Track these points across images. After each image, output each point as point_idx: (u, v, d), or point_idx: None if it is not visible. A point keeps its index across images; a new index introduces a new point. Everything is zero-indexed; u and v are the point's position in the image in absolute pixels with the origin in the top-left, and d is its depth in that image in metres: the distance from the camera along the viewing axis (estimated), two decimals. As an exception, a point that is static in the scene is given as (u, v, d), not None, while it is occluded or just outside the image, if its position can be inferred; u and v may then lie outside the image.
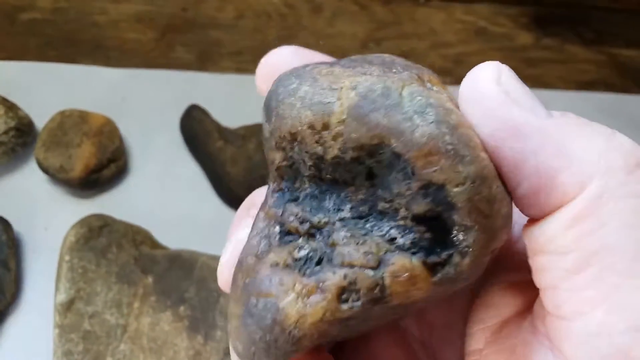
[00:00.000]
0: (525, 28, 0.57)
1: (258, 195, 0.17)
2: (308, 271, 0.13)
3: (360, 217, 0.13)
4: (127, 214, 0.44)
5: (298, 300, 0.13)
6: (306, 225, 0.13)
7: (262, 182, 0.45)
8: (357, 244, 0.13)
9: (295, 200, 0.14)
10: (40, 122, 0.47)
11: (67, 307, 0.40)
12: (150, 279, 0.42)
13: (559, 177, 0.12)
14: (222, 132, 0.47)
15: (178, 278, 0.42)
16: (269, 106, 0.14)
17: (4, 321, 0.42)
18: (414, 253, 0.12)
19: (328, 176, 0.13)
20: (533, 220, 0.13)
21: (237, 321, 0.14)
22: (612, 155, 0.12)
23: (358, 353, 0.17)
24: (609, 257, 0.11)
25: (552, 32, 0.57)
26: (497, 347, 0.14)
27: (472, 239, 0.12)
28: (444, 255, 0.12)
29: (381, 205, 0.13)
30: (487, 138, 0.13)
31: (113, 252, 0.42)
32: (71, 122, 0.45)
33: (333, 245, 0.13)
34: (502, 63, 0.14)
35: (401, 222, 0.13)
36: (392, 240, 0.13)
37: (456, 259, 0.12)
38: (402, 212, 0.13)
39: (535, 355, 0.13)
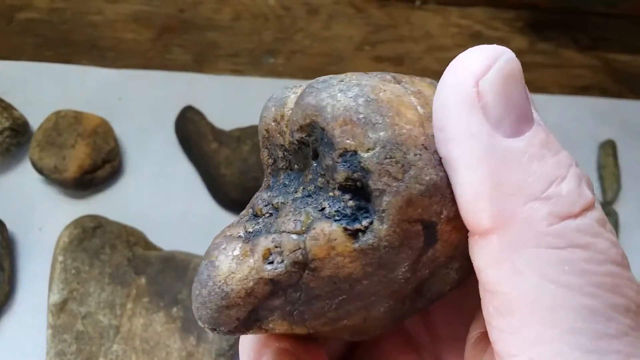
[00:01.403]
0: (521, 32, 0.57)
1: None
2: (251, 240, 0.14)
3: (308, 196, 0.14)
4: (121, 214, 0.44)
5: (232, 261, 0.14)
6: (268, 207, 0.15)
7: (256, 183, 0.45)
8: (294, 215, 0.14)
9: (269, 188, 0.16)
10: (35, 121, 0.47)
11: (60, 308, 0.40)
12: (143, 280, 0.42)
13: (479, 204, 0.12)
14: (217, 133, 0.47)
15: (171, 279, 0.42)
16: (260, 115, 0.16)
17: (-3, 321, 0.42)
18: (336, 220, 0.13)
19: (295, 166, 0.15)
20: (472, 234, 0.13)
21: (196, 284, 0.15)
22: (542, 203, 0.11)
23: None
24: (529, 305, 0.11)
25: (547, 37, 0.57)
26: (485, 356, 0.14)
27: (385, 203, 0.13)
28: (364, 222, 0.13)
29: (319, 181, 0.14)
30: (437, 131, 0.13)
31: (106, 253, 0.42)
32: (66, 123, 0.45)
33: (278, 219, 0.14)
34: None
35: (331, 194, 0.14)
36: (322, 210, 0.14)
37: (376, 224, 0.13)
38: (332, 184, 0.14)
39: None
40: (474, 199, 0.12)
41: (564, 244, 0.11)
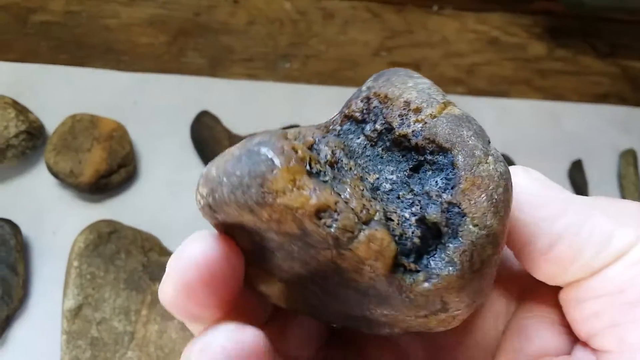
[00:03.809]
0: (539, 39, 0.56)
1: None
2: (318, 170, 0.13)
3: (390, 190, 0.14)
4: (135, 219, 0.44)
5: (290, 181, 0.13)
6: (340, 158, 0.14)
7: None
8: (362, 193, 0.13)
9: (340, 134, 0.15)
10: (50, 124, 0.47)
11: (75, 314, 0.40)
12: (158, 286, 0.41)
13: (616, 234, 0.13)
14: (233, 138, 0.47)
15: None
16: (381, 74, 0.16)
17: (11, 326, 0.41)
18: (398, 242, 0.13)
19: (379, 147, 0.14)
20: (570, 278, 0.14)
21: (229, 155, 0.13)
22: None
23: None
24: None
25: (565, 44, 0.56)
26: None
27: (443, 276, 0.13)
28: (413, 265, 0.13)
29: (402, 192, 0.14)
30: (526, 210, 0.14)
31: (121, 258, 0.42)
32: (82, 127, 0.45)
33: (349, 173, 0.14)
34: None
35: (406, 214, 0.13)
36: (388, 218, 0.13)
37: (420, 277, 0.13)
38: (415, 208, 0.13)
39: None
40: (610, 233, 0.14)
41: None
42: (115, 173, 0.45)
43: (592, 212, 0.13)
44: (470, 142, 0.13)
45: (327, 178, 0.13)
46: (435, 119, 0.14)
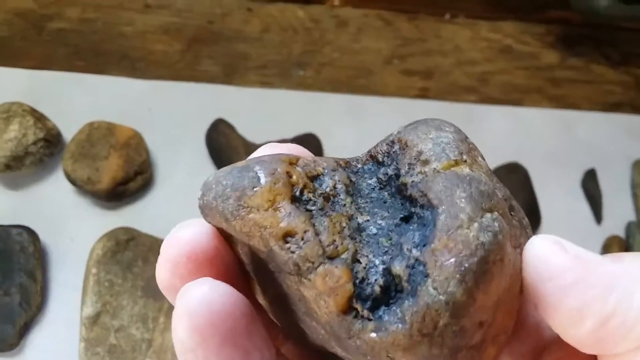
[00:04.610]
0: (551, 47, 0.57)
1: None
2: (308, 199, 0.14)
3: (362, 230, 0.14)
4: (152, 226, 0.44)
5: (269, 201, 0.13)
6: (342, 188, 0.14)
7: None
8: (341, 229, 0.13)
9: (355, 173, 0.15)
10: (66, 131, 0.48)
11: (93, 321, 0.40)
12: (175, 294, 0.42)
13: None
14: (248, 147, 0.47)
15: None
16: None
17: (29, 332, 0.42)
18: (355, 284, 0.13)
19: (386, 191, 0.14)
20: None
21: (232, 167, 0.14)
22: None
23: None
24: None
25: (578, 52, 0.57)
26: None
27: (391, 331, 0.12)
28: (367, 312, 0.13)
29: (382, 239, 0.13)
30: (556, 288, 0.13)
31: (139, 265, 0.42)
32: (99, 134, 0.46)
33: (341, 209, 0.14)
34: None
35: (376, 260, 0.13)
36: (356, 260, 0.13)
37: (369, 326, 0.13)
38: (386, 257, 0.13)
39: None
40: None
41: None
42: (132, 180, 0.46)
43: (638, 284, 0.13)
44: (459, 204, 0.13)
45: (313, 208, 0.13)
46: (436, 174, 0.13)
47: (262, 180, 0.13)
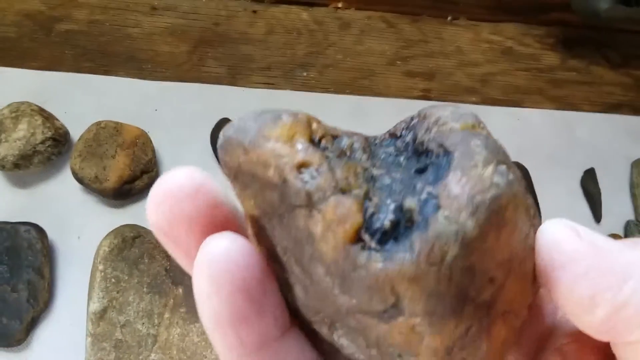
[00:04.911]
0: (552, 49, 0.57)
1: None
2: (325, 147, 0.14)
3: (375, 179, 0.14)
4: (157, 224, 0.45)
5: (288, 136, 0.13)
6: (359, 147, 0.14)
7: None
8: (355, 171, 0.13)
9: (373, 143, 0.15)
10: (74, 131, 0.48)
11: (100, 316, 0.41)
12: (180, 290, 0.42)
13: None
14: (253, 146, 0.48)
15: (208, 290, 0.42)
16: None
17: (37, 327, 0.43)
18: (365, 217, 0.13)
19: (402, 156, 0.14)
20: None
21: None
22: None
23: None
24: None
25: (578, 54, 0.57)
26: None
27: (397, 260, 0.12)
28: (375, 243, 0.12)
29: (395, 185, 0.13)
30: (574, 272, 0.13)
31: (145, 262, 0.43)
32: (106, 134, 0.46)
33: (355, 161, 0.14)
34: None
35: (387, 200, 0.13)
36: (368, 198, 0.13)
37: (375, 257, 0.12)
38: (398, 197, 0.13)
39: None
40: None
41: None
42: (139, 179, 0.46)
43: None
44: (475, 149, 0.13)
45: (329, 154, 0.14)
46: (454, 131, 0.14)
47: (284, 118, 0.14)
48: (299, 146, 0.13)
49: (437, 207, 0.12)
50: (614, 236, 0.48)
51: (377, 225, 0.13)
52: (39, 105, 0.47)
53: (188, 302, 0.42)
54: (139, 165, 0.46)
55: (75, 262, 0.45)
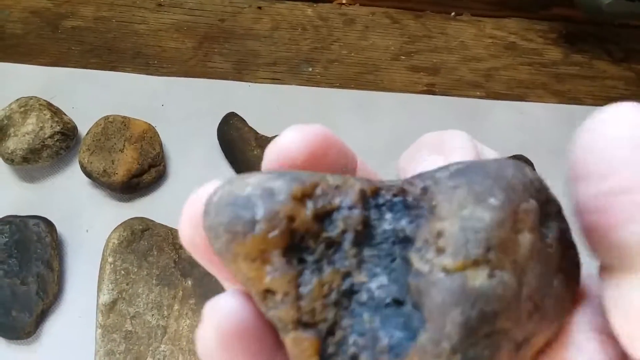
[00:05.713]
0: (555, 44, 0.58)
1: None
2: (307, 247, 0.13)
3: (354, 292, 0.13)
4: (165, 217, 0.45)
5: (259, 251, 0.12)
6: (351, 235, 0.13)
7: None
8: (326, 294, 0.12)
9: (379, 207, 0.14)
10: (82, 126, 0.49)
11: (110, 308, 0.41)
12: (189, 282, 0.43)
13: None
14: (260, 139, 0.48)
15: (217, 282, 0.42)
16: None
17: (46, 320, 0.43)
18: (322, 355, 0.12)
19: (397, 248, 0.13)
20: None
21: (240, 186, 0.13)
22: None
23: None
24: None
25: (581, 49, 0.58)
26: None
27: None
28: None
29: (367, 315, 0.13)
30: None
31: (154, 255, 0.43)
32: (114, 128, 0.47)
33: (339, 263, 0.13)
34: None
35: (351, 338, 0.12)
36: (330, 332, 0.12)
37: None
38: (361, 340, 0.13)
39: None
40: None
41: None
42: (146, 173, 0.47)
43: None
44: (448, 328, 0.12)
45: (309, 258, 0.13)
46: (441, 279, 0.12)
47: (257, 228, 0.12)
48: (268, 268, 0.12)
49: None
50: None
51: None
52: (47, 100, 0.47)
53: (197, 293, 0.42)
54: (147, 159, 0.47)
55: (83, 255, 0.45)
